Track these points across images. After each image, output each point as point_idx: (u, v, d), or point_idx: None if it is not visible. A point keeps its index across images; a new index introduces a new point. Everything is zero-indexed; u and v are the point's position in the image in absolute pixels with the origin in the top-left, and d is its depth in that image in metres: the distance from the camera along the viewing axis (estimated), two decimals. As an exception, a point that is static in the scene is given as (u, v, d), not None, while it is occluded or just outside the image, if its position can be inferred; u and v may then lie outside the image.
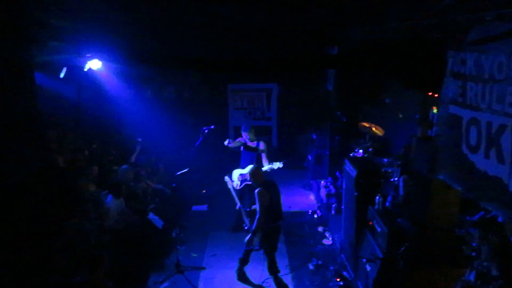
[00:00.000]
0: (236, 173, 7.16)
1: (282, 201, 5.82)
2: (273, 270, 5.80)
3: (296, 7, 3.97)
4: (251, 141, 7.30)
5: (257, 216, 5.37)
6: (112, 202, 6.33)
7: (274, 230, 5.58)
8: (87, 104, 9.34)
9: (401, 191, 5.45)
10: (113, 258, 5.34)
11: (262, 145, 7.26)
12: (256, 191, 5.39)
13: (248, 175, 5.88)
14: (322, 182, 8.89)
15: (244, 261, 5.96)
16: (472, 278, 3.66)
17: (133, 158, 8.21)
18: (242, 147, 7.38)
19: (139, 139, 8.32)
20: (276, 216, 5.56)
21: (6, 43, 3.68)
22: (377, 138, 7.81)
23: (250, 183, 6.09)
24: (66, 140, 7.95)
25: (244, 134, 7.31)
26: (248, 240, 5.53)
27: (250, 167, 5.89)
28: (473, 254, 3.85)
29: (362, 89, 8.90)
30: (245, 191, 6.88)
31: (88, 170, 6.98)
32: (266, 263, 5.99)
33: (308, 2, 3.74)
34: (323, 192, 8.65)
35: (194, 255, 6.64)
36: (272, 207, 5.46)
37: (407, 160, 6.25)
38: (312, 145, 9.98)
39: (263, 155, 7.17)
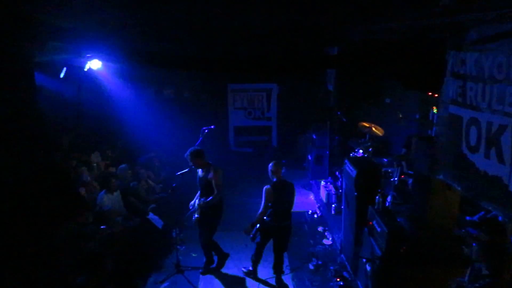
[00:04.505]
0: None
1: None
2: (278, 270, 5.85)
3: (296, 7, 3.97)
4: (198, 168, 5.94)
5: (260, 211, 5.57)
6: (105, 197, 6.33)
7: (275, 229, 5.64)
8: (87, 104, 9.35)
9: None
10: (114, 259, 5.34)
11: (210, 174, 5.77)
12: (264, 188, 5.58)
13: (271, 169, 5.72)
14: (322, 182, 8.90)
15: (256, 261, 5.98)
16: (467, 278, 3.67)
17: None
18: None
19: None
20: (280, 217, 5.62)
21: (6, 43, 3.68)
22: (377, 138, 7.80)
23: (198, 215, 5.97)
24: (65, 140, 7.97)
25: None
26: (246, 229, 5.68)
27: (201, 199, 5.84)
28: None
29: (362, 89, 8.91)
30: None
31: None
32: (266, 263, 6.03)
33: (308, 2, 3.74)
34: (323, 192, 8.65)
35: (194, 255, 6.64)
36: (276, 207, 5.57)
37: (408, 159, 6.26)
38: (312, 145, 9.98)
39: (213, 183, 5.76)
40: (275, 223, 5.60)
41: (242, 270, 6.12)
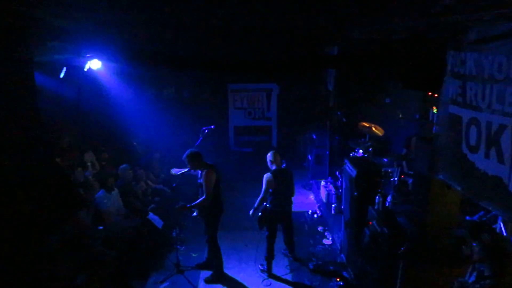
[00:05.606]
0: None
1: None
2: (268, 256, 5.99)
3: (296, 7, 3.97)
4: (196, 170, 5.77)
5: (260, 196, 5.82)
6: (104, 197, 6.33)
7: (275, 214, 5.86)
8: (87, 104, 9.33)
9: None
10: (114, 259, 5.34)
11: (200, 177, 5.66)
12: (265, 175, 5.81)
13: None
14: (322, 182, 8.90)
15: (269, 258, 6.05)
16: (472, 279, 3.65)
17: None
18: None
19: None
20: (282, 202, 5.85)
21: (6, 43, 3.68)
22: (377, 138, 7.80)
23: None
24: (65, 140, 7.96)
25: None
26: (258, 221, 5.88)
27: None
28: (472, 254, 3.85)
29: (362, 89, 8.91)
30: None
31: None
32: (266, 263, 6.04)
33: (308, 2, 3.74)
34: (323, 192, 8.65)
35: (194, 255, 6.64)
36: (278, 194, 5.80)
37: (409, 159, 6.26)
38: (312, 145, 9.97)
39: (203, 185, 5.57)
40: (279, 208, 5.82)
41: (259, 268, 6.16)
